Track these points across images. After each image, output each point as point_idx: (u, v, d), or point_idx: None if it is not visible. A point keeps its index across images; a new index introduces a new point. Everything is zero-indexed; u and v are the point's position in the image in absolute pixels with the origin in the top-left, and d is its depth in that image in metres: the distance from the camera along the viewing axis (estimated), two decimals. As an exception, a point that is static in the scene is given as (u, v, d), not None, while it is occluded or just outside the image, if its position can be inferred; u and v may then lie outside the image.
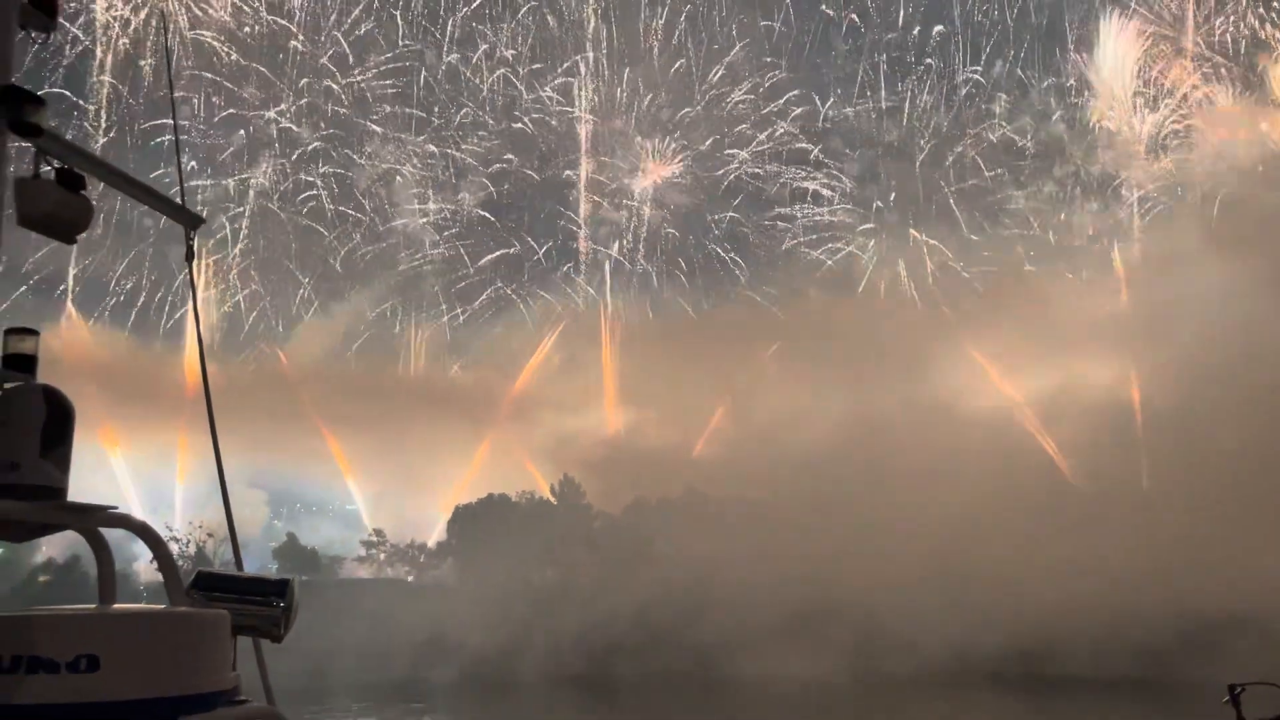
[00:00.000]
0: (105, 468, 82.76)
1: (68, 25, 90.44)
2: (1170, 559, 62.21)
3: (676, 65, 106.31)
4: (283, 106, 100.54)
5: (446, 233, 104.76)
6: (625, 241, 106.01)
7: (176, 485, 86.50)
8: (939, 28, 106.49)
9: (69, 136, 5.35)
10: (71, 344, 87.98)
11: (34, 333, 4.67)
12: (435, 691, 62.35)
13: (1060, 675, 60.16)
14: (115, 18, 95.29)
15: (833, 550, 65.79)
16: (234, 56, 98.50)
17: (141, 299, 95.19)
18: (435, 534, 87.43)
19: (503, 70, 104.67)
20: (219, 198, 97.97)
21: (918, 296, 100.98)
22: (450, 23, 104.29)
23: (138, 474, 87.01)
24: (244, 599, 4.54)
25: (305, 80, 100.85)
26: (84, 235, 5.06)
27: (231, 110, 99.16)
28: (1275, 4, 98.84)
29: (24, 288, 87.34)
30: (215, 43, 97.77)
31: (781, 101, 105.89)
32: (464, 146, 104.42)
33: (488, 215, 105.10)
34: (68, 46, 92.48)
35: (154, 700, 3.95)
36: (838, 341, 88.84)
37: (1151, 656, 59.04)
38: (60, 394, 4.39)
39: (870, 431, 77.78)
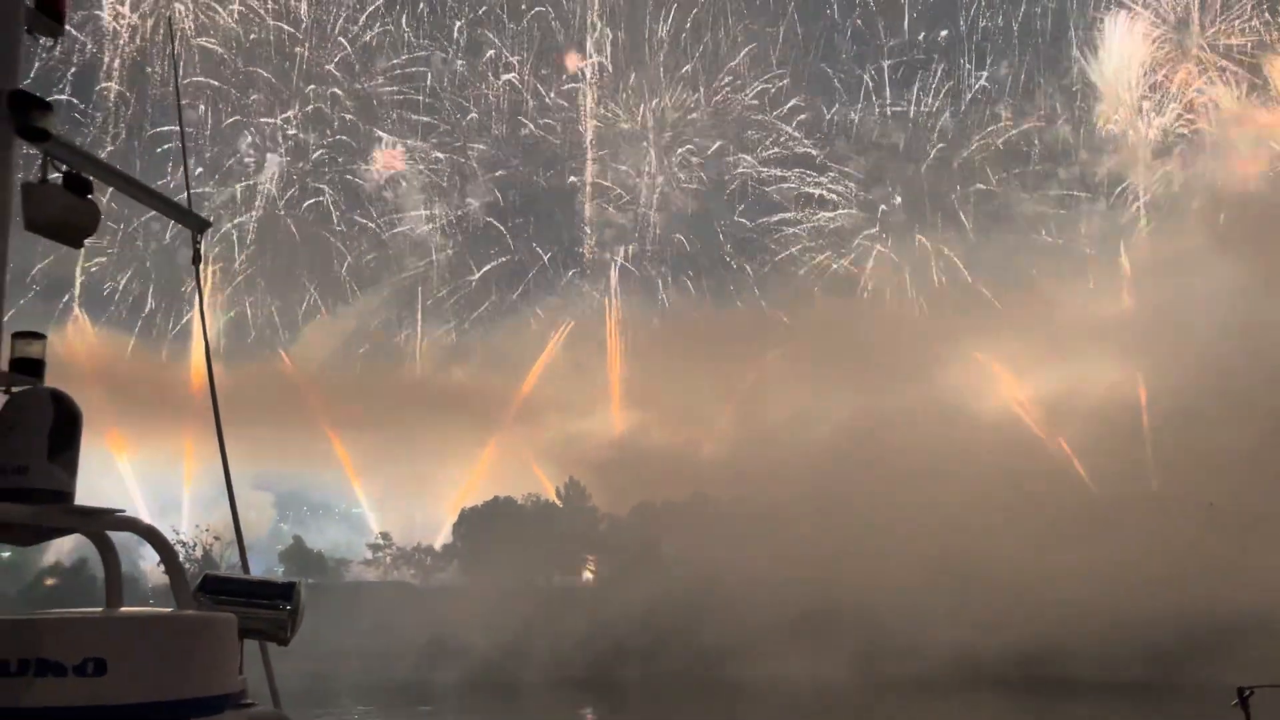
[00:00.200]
0: (112, 471, 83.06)
1: (75, 33, 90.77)
2: (1178, 561, 62.02)
3: (682, 70, 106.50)
4: (289, 114, 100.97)
5: (452, 237, 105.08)
6: (630, 245, 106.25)
7: (183, 489, 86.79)
8: (944, 32, 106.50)
9: (76, 142, 5.36)
10: (79, 348, 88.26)
11: (41, 337, 4.68)
12: (441, 693, 62.36)
13: (1065, 678, 59.89)
14: (124, 25, 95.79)
15: (838, 552, 65.72)
16: (240, 63, 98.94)
17: (149, 303, 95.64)
18: (441, 536, 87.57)
19: (509, 76, 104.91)
20: (226, 203, 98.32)
21: (923, 300, 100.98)
22: (456, 29, 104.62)
23: (145, 477, 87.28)
24: (250, 602, 4.55)
25: (312, 87, 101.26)
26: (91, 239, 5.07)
27: (237, 117, 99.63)
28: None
29: (32, 294, 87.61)
30: (221, 49, 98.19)
31: (787, 107, 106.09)
32: (471, 151, 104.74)
33: (493, 220, 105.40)
34: (75, 54, 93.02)
35: (161, 704, 3.95)
36: (843, 344, 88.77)
37: (1158, 659, 58.76)
38: (68, 398, 4.39)
39: (875, 434, 77.71)
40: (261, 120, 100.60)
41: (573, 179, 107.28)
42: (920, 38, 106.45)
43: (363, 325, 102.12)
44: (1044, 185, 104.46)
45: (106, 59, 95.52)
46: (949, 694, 56.53)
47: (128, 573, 4.86)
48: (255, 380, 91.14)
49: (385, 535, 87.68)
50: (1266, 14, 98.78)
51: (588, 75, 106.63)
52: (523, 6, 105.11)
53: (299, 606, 4.68)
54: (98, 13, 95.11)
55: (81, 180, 4.85)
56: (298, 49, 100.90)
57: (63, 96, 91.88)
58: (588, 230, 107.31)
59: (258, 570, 6.54)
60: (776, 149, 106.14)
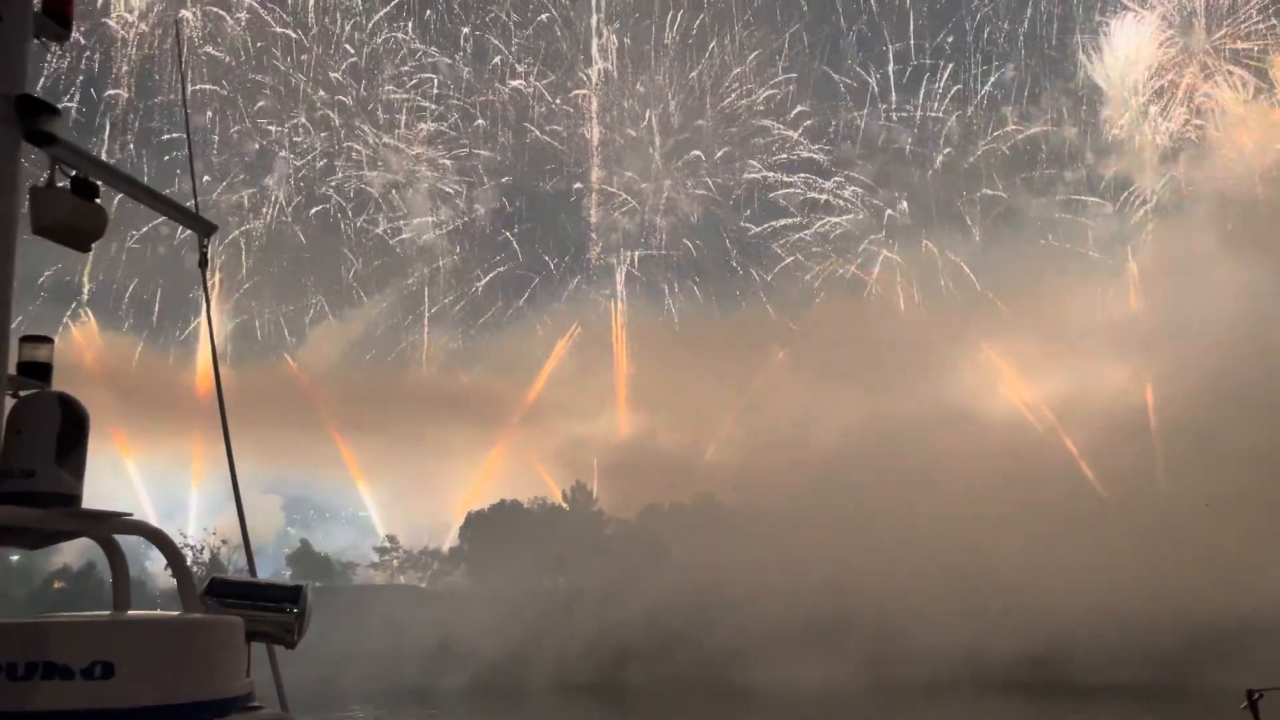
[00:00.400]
0: (120, 474, 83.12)
1: (81, 39, 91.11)
2: (1187, 563, 61.77)
3: (688, 75, 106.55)
4: (296, 120, 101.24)
5: (459, 241, 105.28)
6: (637, 251, 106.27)
7: (191, 492, 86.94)
8: (950, 38, 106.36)
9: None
10: (86, 351, 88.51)
11: (49, 340, 4.70)
12: (447, 697, 62.35)
13: (1075, 682, 59.66)
14: (132, 32, 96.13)
15: (846, 556, 65.57)
16: (247, 69, 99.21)
17: (156, 307, 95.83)
18: (448, 540, 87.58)
19: (515, 82, 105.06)
20: (233, 209, 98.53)
21: (930, 303, 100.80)
22: (462, 35, 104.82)
23: (152, 481, 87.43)
24: (257, 605, 4.55)
25: (320, 94, 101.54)
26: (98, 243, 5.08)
27: (242, 126, 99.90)
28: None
29: (40, 299, 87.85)
30: (228, 57, 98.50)
31: (793, 114, 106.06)
32: (477, 156, 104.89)
33: (500, 224, 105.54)
34: (82, 59, 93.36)
35: (168, 707, 3.96)
36: (849, 347, 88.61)
37: (1167, 662, 58.49)
38: (75, 401, 4.40)
39: (882, 437, 77.57)
40: (268, 126, 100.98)
41: (578, 185, 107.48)
42: (925, 42, 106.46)
43: (369, 330, 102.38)
44: (1051, 189, 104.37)
45: (113, 65, 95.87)
46: (959, 698, 56.40)
47: (135, 576, 4.87)
48: (262, 384, 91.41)
49: (392, 539, 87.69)
50: (1273, 17, 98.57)
51: (593, 80, 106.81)
52: (529, 12, 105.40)
53: (306, 609, 4.68)
54: (105, 20, 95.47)
55: (89, 184, 4.86)
56: (304, 56, 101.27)
57: (70, 104, 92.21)
58: (594, 236, 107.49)
59: (265, 573, 6.56)
60: (783, 154, 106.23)
